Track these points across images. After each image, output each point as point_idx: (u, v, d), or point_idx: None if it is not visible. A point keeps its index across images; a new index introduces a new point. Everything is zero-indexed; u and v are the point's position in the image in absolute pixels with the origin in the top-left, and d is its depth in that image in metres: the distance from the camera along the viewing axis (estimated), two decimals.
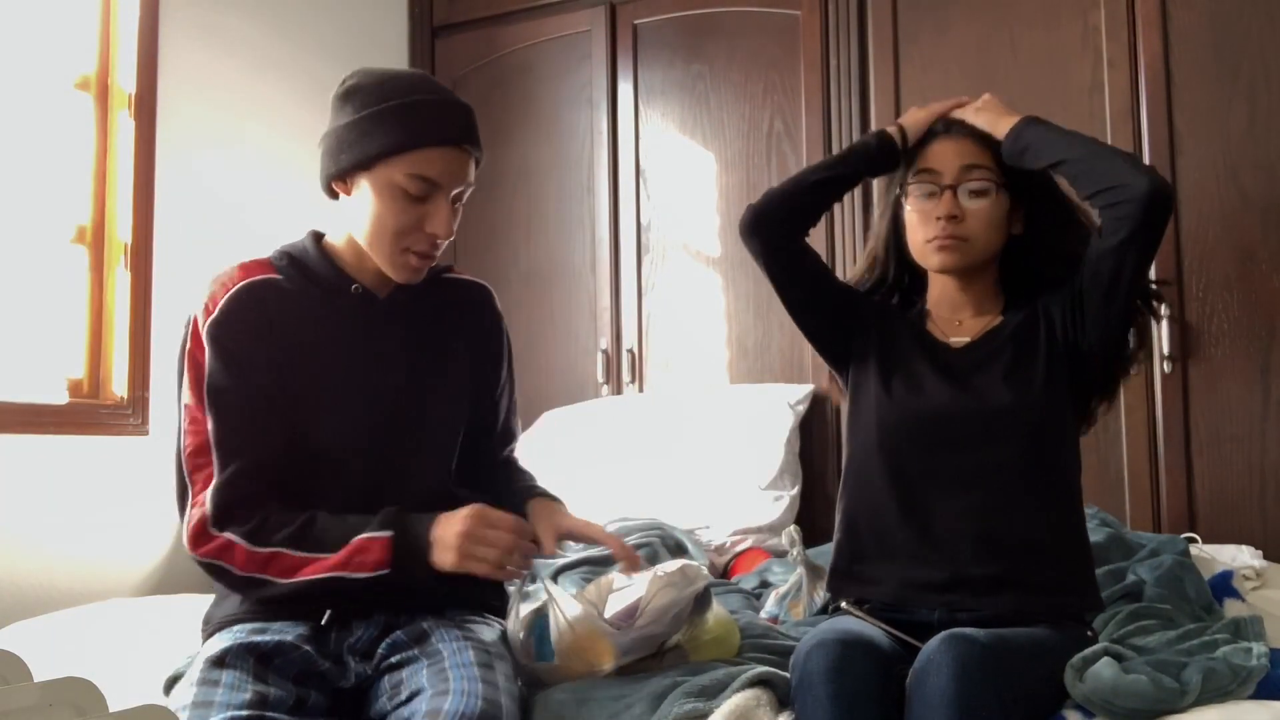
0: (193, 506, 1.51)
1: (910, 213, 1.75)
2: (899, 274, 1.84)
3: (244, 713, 1.33)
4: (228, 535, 1.48)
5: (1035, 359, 1.68)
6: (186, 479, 1.53)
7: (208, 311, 1.56)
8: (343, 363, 1.60)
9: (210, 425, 1.52)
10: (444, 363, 1.67)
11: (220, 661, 1.42)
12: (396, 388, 1.62)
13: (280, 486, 1.53)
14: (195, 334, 1.56)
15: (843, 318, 1.82)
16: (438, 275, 1.72)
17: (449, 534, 1.45)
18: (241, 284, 1.58)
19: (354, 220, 1.60)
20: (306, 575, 1.46)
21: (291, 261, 1.63)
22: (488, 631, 1.55)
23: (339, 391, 1.59)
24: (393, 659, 1.48)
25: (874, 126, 2.87)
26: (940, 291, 1.79)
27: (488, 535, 1.45)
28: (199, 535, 1.49)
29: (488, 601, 1.64)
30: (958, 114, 1.78)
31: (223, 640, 1.48)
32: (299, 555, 1.46)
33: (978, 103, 1.79)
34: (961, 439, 1.65)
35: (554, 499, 1.70)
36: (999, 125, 1.72)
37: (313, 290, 1.62)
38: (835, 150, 2.91)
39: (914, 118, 1.82)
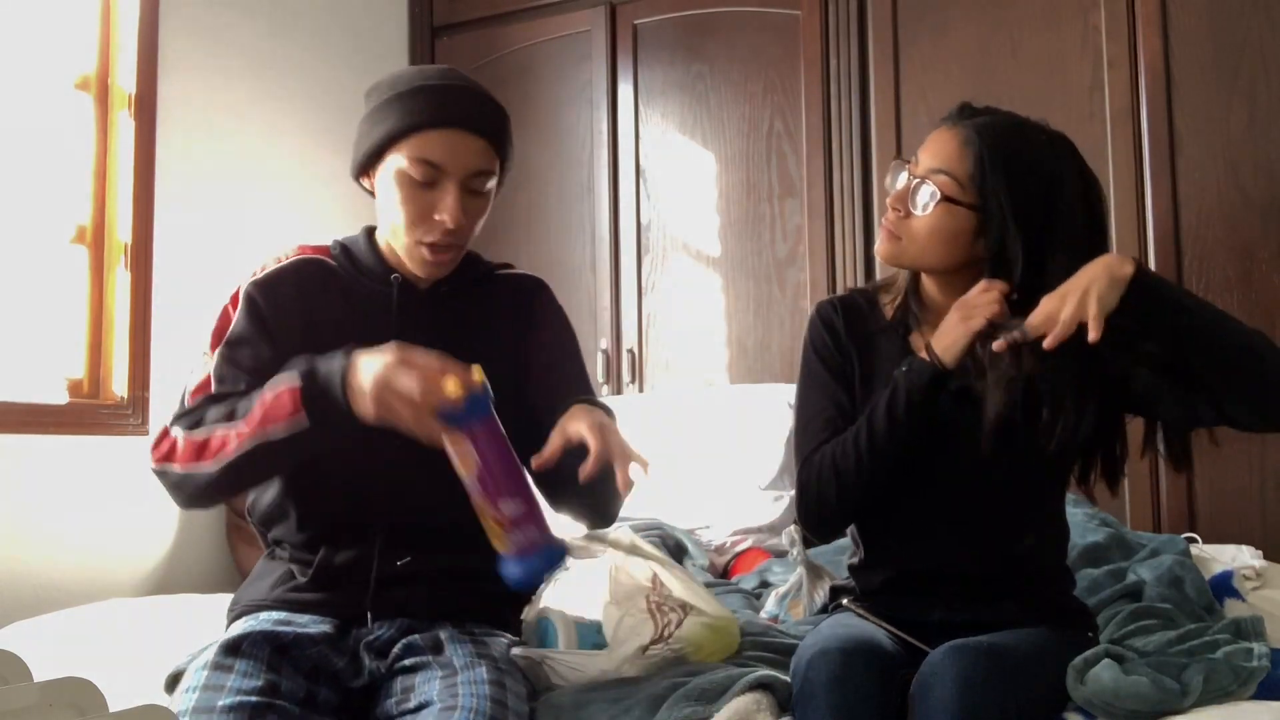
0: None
1: None
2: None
3: (253, 698, 1.33)
4: (172, 433, 1.47)
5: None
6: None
7: (253, 275, 1.60)
8: (365, 345, 1.51)
9: (212, 366, 1.53)
10: (478, 358, 1.55)
11: (235, 649, 1.42)
12: None
13: (295, 477, 1.54)
14: (235, 295, 1.59)
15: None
16: (490, 272, 1.70)
17: (364, 381, 1.34)
18: (294, 259, 1.62)
19: (380, 214, 1.60)
20: (231, 449, 1.40)
21: (344, 250, 1.65)
22: (500, 647, 1.54)
23: None
24: (406, 661, 1.47)
25: (874, 127, 2.89)
26: (925, 288, 1.67)
27: (402, 383, 1.32)
28: (155, 444, 1.50)
29: (504, 616, 1.62)
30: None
31: (244, 625, 1.48)
32: (227, 428, 1.41)
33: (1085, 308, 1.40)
34: (934, 474, 1.59)
35: (594, 404, 1.50)
36: (1110, 295, 1.41)
37: (357, 276, 1.63)
38: (834, 149, 2.92)
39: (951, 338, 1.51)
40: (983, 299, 1.50)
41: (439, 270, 1.59)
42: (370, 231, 1.67)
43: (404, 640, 1.50)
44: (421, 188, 1.53)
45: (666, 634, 1.53)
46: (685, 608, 1.56)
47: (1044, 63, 2.71)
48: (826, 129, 2.94)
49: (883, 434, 1.53)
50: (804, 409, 1.67)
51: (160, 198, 2.71)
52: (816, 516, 1.61)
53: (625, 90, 3.22)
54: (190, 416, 1.49)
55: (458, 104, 1.54)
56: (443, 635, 1.50)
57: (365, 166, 1.59)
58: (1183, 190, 2.54)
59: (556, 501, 1.54)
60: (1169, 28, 2.58)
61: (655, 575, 1.57)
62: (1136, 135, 2.59)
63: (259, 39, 3.04)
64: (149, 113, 2.71)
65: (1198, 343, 1.44)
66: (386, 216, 1.58)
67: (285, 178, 3.04)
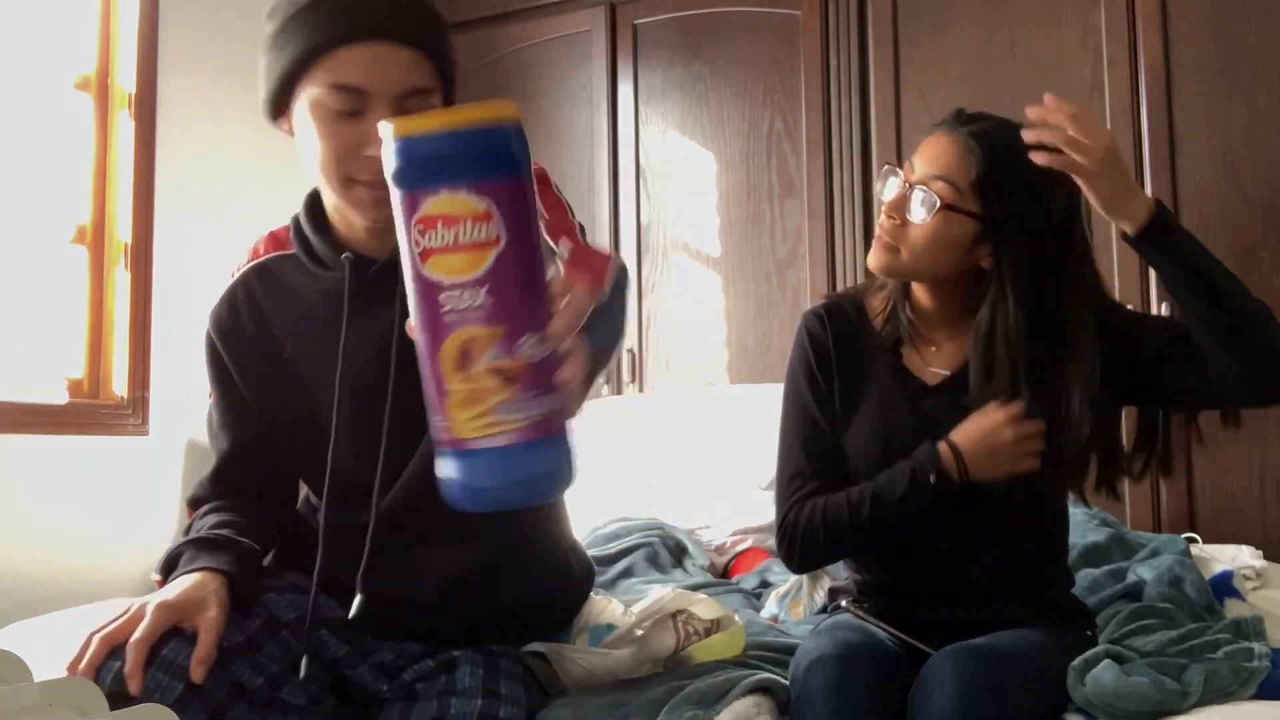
0: None
1: None
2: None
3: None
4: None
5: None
6: None
7: (214, 306, 1.49)
8: (325, 342, 1.40)
9: (206, 427, 1.54)
10: None
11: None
12: (380, 362, 1.38)
13: (280, 468, 1.51)
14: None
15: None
16: None
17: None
18: (242, 272, 1.49)
19: (303, 158, 1.37)
20: None
21: (298, 230, 1.48)
22: (510, 659, 1.45)
23: (324, 371, 1.40)
24: (416, 685, 1.41)
25: (874, 127, 2.88)
26: (916, 298, 1.62)
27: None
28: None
29: (530, 630, 1.51)
30: (1069, 163, 1.44)
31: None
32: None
33: (1099, 152, 1.45)
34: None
35: None
36: (1123, 203, 1.45)
37: (309, 262, 1.44)
38: (834, 149, 2.92)
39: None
40: (1031, 430, 1.49)
41: (381, 211, 1.27)
42: (315, 199, 1.46)
43: (416, 666, 1.43)
44: (345, 120, 1.29)
45: (684, 647, 1.54)
46: (712, 626, 1.57)
47: (1044, 62, 2.71)
48: (826, 129, 2.94)
49: (891, 518, 1.52)
50: (786, 430, 1.65)
51: (160, 198, 2.71)
52: (799, 557, 1.60)
53: (625, 90, 3.22)
54: (199, 503, 1.55)
55: (373, 8, 1.28)
56: (456, 655, 1.42)
57: (277, 105, 1.37)
58: (1183, 190, 2.54)
59: None
60: (1169, 27, 2.58)
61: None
62: (1136, 135, 2.59)
63: (259, 39, 3.03)
64: (149, 113, 2.71)
65: (1214, 288, 1.42)
66: (310, 160, 1.34)
67: (285, 178, 3.04)
